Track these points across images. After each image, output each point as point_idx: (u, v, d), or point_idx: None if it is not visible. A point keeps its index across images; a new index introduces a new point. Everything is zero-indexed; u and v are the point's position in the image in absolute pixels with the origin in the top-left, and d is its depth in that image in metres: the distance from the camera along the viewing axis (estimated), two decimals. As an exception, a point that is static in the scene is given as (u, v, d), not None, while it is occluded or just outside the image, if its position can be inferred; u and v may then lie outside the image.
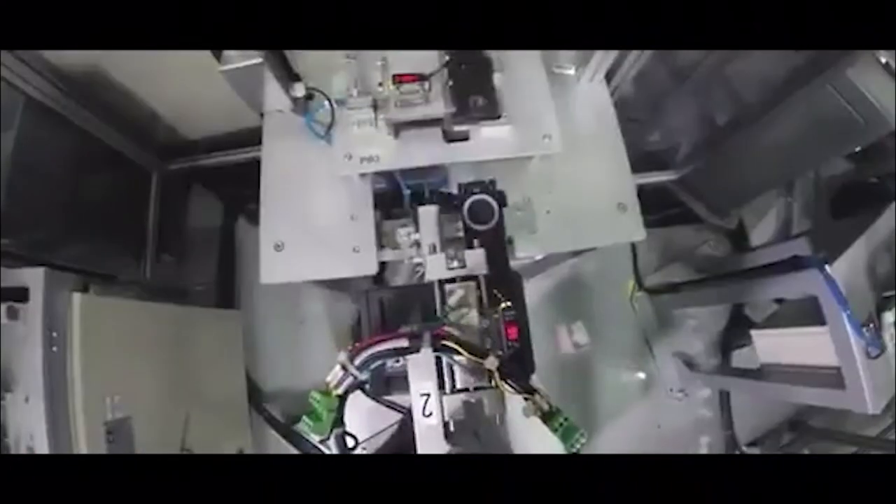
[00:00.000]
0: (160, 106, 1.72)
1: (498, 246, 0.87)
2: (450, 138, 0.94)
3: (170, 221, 2.00)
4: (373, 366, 0.75)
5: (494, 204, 0.88)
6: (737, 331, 1.99)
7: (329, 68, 1.04)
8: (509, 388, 0.74)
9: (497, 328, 0.85)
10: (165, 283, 1.98)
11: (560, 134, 0.97)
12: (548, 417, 0.73)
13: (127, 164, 1.84)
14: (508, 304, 0.85)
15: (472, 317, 0.84)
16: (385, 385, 0.91)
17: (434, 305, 0.83)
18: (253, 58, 0.93)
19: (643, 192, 1.71)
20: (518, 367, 0.79)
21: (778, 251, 1.83)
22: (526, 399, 0.74)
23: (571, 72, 1.16)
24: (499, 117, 0.93)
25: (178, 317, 1.63)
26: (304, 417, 0.73)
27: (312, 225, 1.04)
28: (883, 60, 1.38)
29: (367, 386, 0.81)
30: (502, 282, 0.85)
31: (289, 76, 1.04)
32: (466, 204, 0.88)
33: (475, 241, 0.86)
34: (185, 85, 1.54)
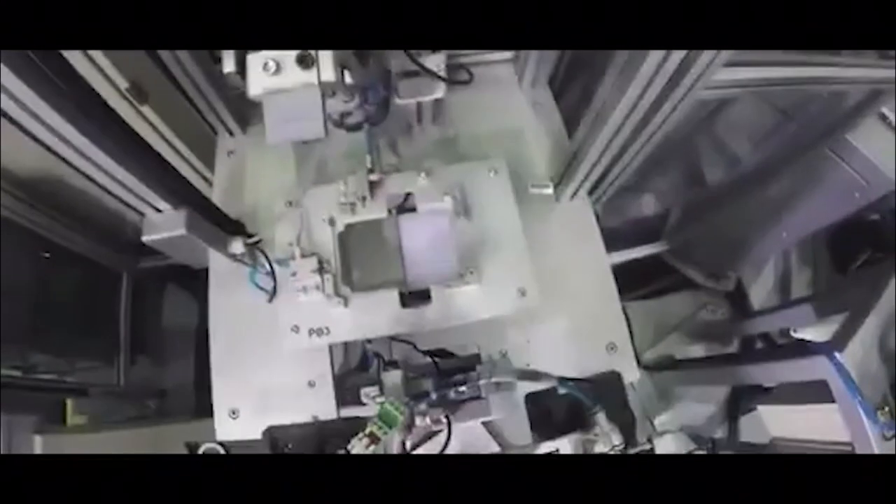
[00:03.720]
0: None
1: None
2: (407, 303, 0.85)
3: (144, 322, 1.94)
4: None
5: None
6: (743, 396, 1.88)
7: (272, 217, 0.96)
8: None
9: None
10: (142, 385, 1.92)
11: (537, 287, 0.87)
12: None
13: (94, 265, 1.79)
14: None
15: None
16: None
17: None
18: (176, 227, 0.85)
19: (635, 266, 1.61)
20: None
21: (780, 319, 1.76)
22: None
23: (549, 190, 1.07)
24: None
25: (150, 442, 1.55)
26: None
27: (268, 391, 0.96)
28: (886, 118, 1.30)
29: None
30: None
31: (224, 230, 0.95)
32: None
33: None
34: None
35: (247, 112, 1.19)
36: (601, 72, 0.99)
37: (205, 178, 1.55)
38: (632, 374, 0.98)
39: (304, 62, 0.66)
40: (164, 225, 0.87)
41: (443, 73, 0.95)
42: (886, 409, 1.35)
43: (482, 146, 1.13)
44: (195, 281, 1.87)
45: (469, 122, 1.19)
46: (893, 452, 1.33)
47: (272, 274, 0.92)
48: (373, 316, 0.85)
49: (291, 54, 0.66)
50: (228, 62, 0.70)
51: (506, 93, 1.22)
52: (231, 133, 1.21)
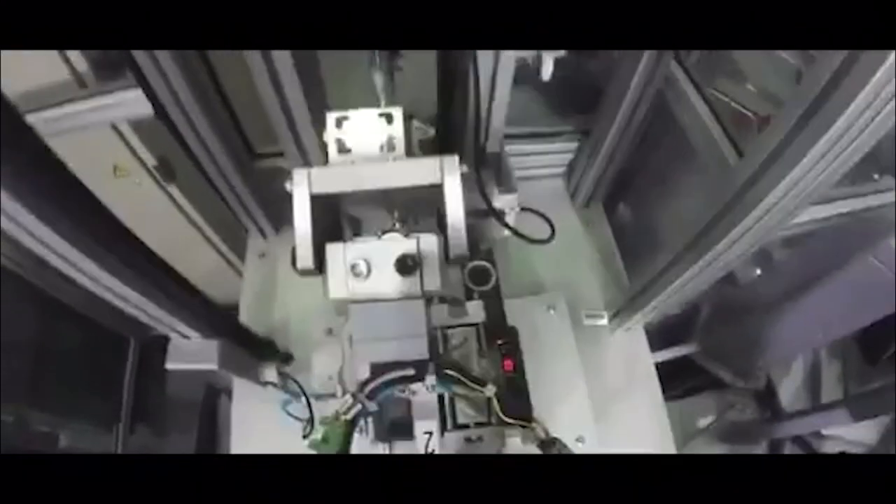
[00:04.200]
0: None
1: (495, 302, 0.95)
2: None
3: (148, 390, 1.87)
4: (381, 395, 0.73)
5: (491, 269, 0.98)
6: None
7: (310, 339, 0.90)
8: (507, 418, 0.77)
9: (494, 363, 0.89)
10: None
11: (595, 435, 0.82)
12: (545, 446, 0.75)
13: (102, 329, 1.74)
14: (504, 341, 0.90)
15: (472, 356, 0.88)
16: (389, 431, 0.86)
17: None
18: (208, 361, 0.79)
19: (663, 367, 1.54)
20: (515, 396, 0.82)
21: (813, 422, 1.70)
22: (523, 427, 0.77)
23: (604, 321, 1.02)
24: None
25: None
26: (314, 441, 0.71)
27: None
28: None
29: (371, 428, 0.82)
30: (499, 329, 0.92)
31: (255, 354, 0.90)
32: (466, 269, 0.98)
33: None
34: (165, 251, 1.47)
35: (281, 212, 1.15)
36: (657, 193, 0.95)
37: (234, 267, 1.50)
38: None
39: (405, 268, 0.59)
40: (193, 356, 0.81)
41: (513, 216, 0.89)
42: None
43: (532, 264, 1.09)
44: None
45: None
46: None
47: (309, 409, 0.86)
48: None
49: (388, 257, 0.59)
50: (305, 258, 0.64)
51: (557, 209, 1.19)
52: (263, 234, 1.16)
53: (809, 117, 0.57)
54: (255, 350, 0.90)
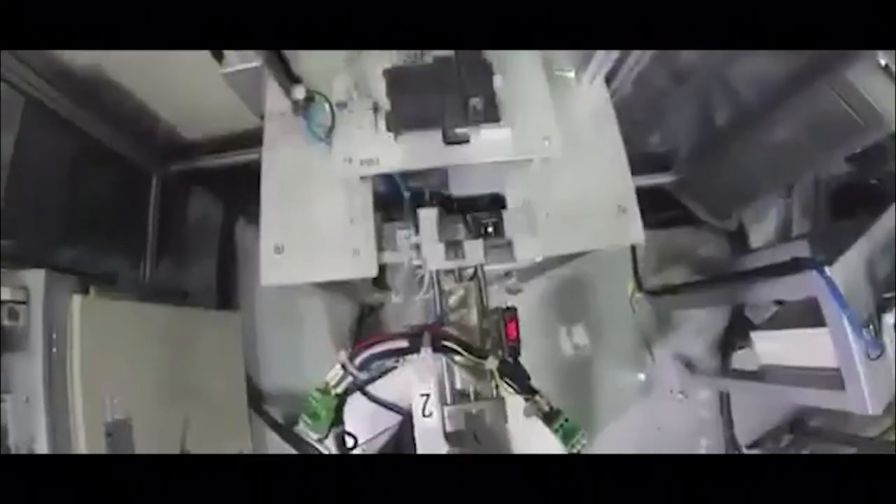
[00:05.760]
0: (161, 107, 1.72)
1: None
2: (449, 141, 0.94)
3: (170, 223, 2.00)
4: (373, 366, 0.76)
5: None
6: (737, 332, 1.99)
7: (330, 71, 1.04)
8: (509, 389, 0.77)
9: (497, 328, 0.88)
10: (165, 285, 1.98)
11: (560, 136, 0.97)
12: (548, 418, 0.76)
13: (127, 165, 1.84)
14: (509, 305, 0.89)
15: (472, 317, 0.87)
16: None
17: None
18: (252, 60, 0.93)
19: (642, 194, 1.70)
20: (518, 368, 0.82)
21: (777, 253, 1.84)
22: (526, 400, 0.77)
23: (571, 74, 1.16)
24: (498, 120, 0.93)
25: (177, 318, 1.63)
26: (303, 416, 0.74)
27: (312, 227, 1.04)
28: (882, 63, 1.38)
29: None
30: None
31: (289, 78, 1.04)
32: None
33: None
34: (186, 86, 1.54)
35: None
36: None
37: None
38: (638, 236, 1.07)
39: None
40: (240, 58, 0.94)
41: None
42: (871, 326, 1.43)
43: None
44: (222, 184, 1.96)
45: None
46: (877, 375, 1.40)
47: (332, 112, 0.99)
48: (419, 149, 0.94)
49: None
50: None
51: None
52: None
53: None
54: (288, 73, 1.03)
